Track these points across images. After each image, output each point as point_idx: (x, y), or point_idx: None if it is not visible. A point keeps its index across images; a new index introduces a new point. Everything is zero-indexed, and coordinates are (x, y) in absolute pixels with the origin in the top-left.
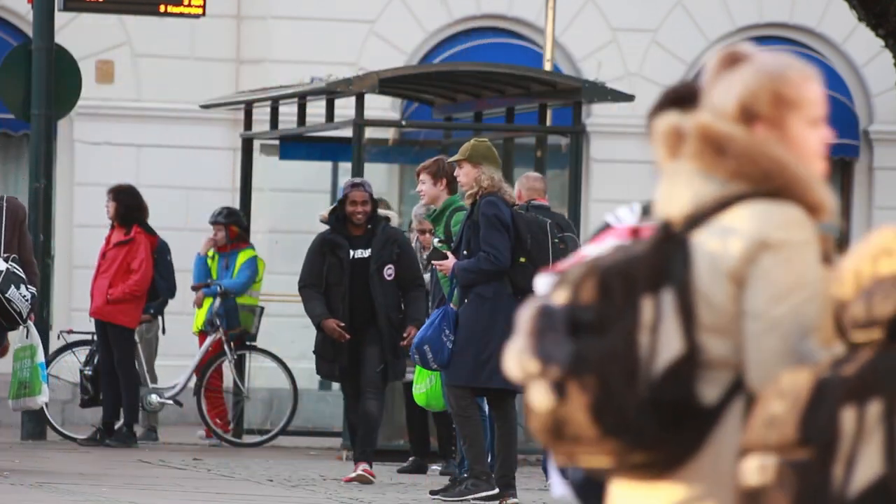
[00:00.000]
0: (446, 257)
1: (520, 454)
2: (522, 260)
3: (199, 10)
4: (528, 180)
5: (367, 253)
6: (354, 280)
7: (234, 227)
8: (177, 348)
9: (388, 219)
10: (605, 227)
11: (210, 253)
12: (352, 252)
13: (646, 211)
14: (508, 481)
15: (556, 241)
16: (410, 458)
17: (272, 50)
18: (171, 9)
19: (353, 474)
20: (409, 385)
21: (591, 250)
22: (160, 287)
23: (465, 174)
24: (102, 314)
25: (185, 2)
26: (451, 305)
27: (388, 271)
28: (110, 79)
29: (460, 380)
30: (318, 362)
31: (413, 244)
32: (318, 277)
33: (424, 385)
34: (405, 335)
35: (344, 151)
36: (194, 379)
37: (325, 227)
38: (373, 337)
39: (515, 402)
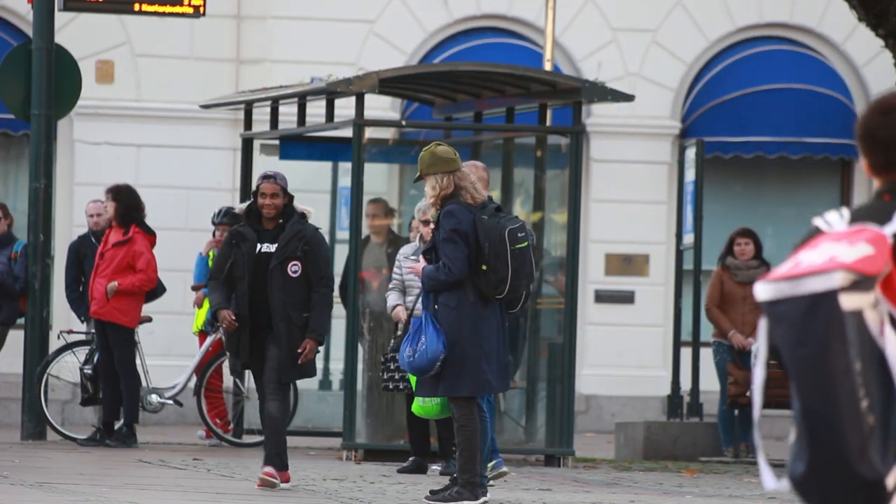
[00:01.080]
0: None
1: (520, 454)
2: (484, 267)
3: (199, 11)
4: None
5: (273, 247)
6: (257, 275)
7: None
8: (177, 348)
9: (303, 214)
10: (816, 232)
11: (211, 254)
12: (259, 246)
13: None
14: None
15: (517, 248)
16: (410, 458)
17: (272, 50)
18: (170, 9)
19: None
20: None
21: (806, 256)
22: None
23: (427, 189)
24: (102, 314)
25: (185, 1)
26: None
27: (294, 268)
28: (110, 79)
29: (426, 391)
30: (229, 359)
31: (415, 241)
32: (222, 270)
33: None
34: (300, 350)
35: (344, 151)
36: (194, 379)
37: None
38: (274, 336)
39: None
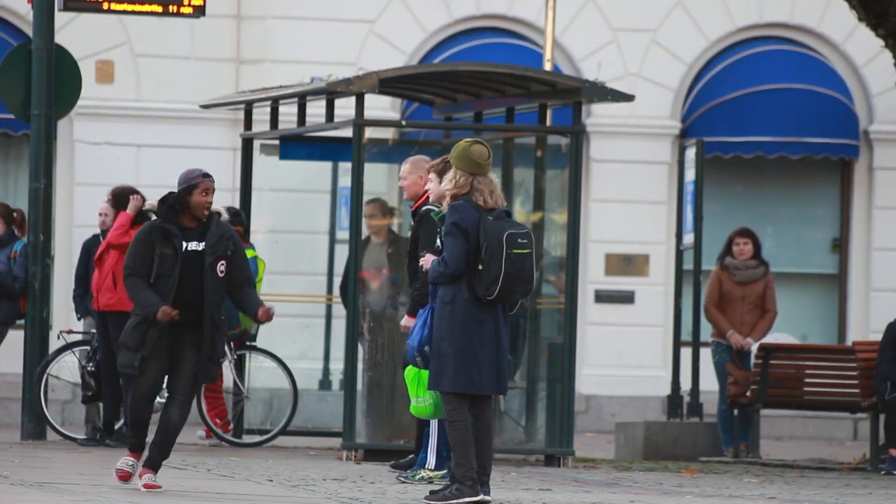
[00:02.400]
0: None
1: (520, 454)
2: (479, 267)
3: (199, 11)
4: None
5: (200, 246)
6: (184, 273)
7: (239, 227)
8: None
9: (219, 213)
10: None
11: None
12: (186, 244)
13: None
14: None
15: (514, 252)
16: (409, 457)
17: (272, 50)
18: (170, 9)
19: (142, 484)
20: None
21: None
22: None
23: (446, 178)
24: (112, 304)
25: (185, 1)
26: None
27: (221, 268)
28: (110, 79)
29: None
30: (120, 352)
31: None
32: (147, 267)
33: (430, 396)
34: (263, 313)
35: (344, 151)
36: None
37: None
38: (194, 338)
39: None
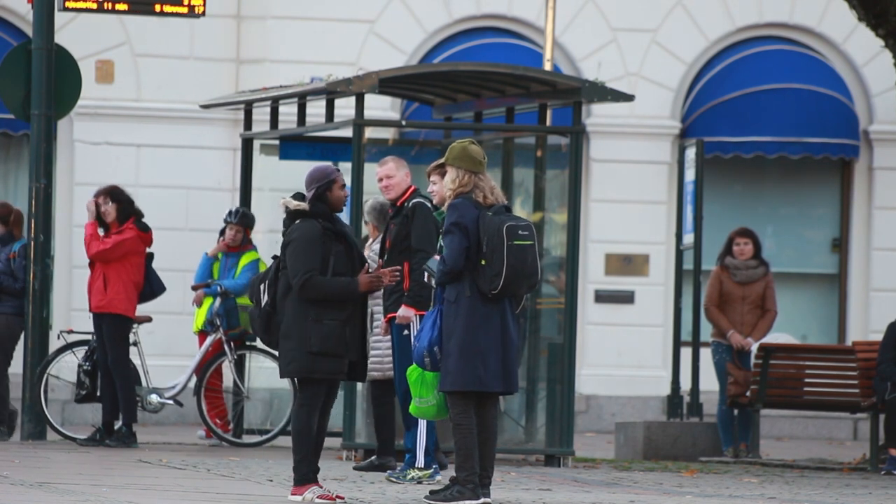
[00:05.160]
0: None
1: (520, 454)
2: (483, 262)
3: (200, 10)
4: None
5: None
6: (355, 273)
7: (248, 229)
8: (177, 348)
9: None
10: None
11: (219, 256)
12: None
13: None
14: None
15: (516, 243)
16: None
17: (272, 50)
18: (170, 9)
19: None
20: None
21: None
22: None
23: (447, 178)
24: (102, 306)
25: (185, 1)
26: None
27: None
28: (110, 79)
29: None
30: (317, 362)
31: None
32: (325, 266)
33: (434, 396)
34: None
35: (344, 151)
36: (194, 379)
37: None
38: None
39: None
